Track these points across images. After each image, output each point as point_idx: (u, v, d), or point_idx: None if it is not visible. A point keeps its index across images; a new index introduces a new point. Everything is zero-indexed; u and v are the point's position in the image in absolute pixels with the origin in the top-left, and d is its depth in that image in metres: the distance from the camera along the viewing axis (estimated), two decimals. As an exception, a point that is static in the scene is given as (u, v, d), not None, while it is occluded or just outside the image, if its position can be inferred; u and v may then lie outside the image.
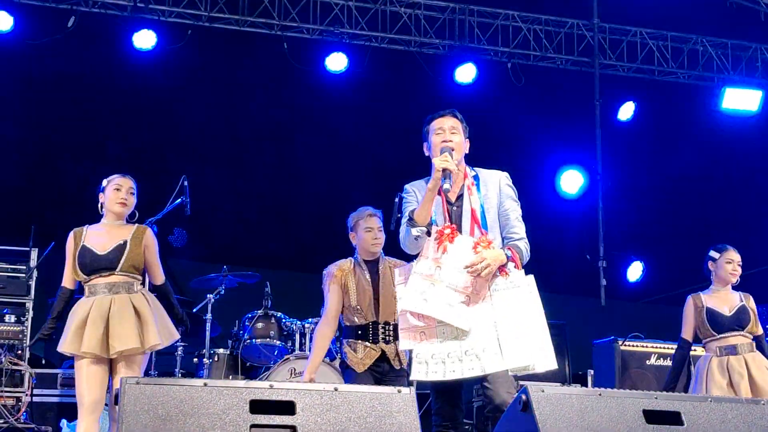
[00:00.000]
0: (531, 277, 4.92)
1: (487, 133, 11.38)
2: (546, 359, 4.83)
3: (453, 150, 5.00)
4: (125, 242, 6.04)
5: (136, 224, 6.23)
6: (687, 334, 7.22)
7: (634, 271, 13.26)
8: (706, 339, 7.18)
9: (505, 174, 5.22)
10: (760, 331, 7.28)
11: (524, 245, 5.05)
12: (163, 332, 6.00)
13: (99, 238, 6.08)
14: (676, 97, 13.13)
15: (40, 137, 11.29)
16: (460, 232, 4.94)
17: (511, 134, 12.66)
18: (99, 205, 6.22)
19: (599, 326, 10.87)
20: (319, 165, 12.18)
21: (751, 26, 12.88)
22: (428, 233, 4.91)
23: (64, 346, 5.88)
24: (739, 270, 7.29)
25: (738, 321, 7.13)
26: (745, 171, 13.09)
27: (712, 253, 7.36)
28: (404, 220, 5.01)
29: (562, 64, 12.90)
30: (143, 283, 6.16)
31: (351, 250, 6.58)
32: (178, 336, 6.26)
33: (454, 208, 5.05)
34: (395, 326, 6.16)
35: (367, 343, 6.29)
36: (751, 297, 7.33)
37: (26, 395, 8.40)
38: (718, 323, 7.10)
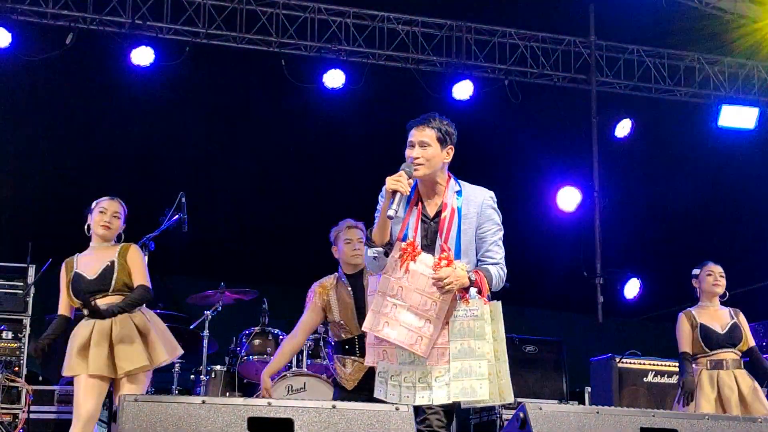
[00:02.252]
0: (496, 303, 4.72)
1: (484, 150, 11.42)
2: (503, 393, 4.63)
3: (418, 166, 4.78)
4: (113, 263, 6.07)
5: (122, 243, 6.24)
6: (687, 347, 7.22)
7: (631, 288, 13.26)
8: (696, 354, 7.22)
9: (491, 194, 4.93)
10: (752, 342, 7.32)
11: (496, 271, 4.81)
12: (167, 347, 6.01)
13: (88, 262, 6.13)
14: (673, 114, 13.16)
15: (38, 153, 11.29)
16: (433, 249, 4.74)
17: (508, 151, 12.68)
18: (86, 227, 6.24)
19: (596, 343, 10.88)
20: (316, 181, 12.18)
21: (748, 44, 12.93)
22: (386, 254, 4.74)
23: (69, 370, 5.90)
24: (722, 281, 7.32)
25: (731, 339, 7.18)
26: (742, 188, 13.11)
27: (694, 271, 7.44)
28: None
29: (559, 81, 12.92)
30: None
31: (348, 267, 6.60)
32: (181, 350, 6.26)
33: (432, 224, 4.82)
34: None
35: (354, 357, 6.28)
36: (740, 312, 7.36)
37: (23, 412, 8.38)
38: (711, 340, 7.15)
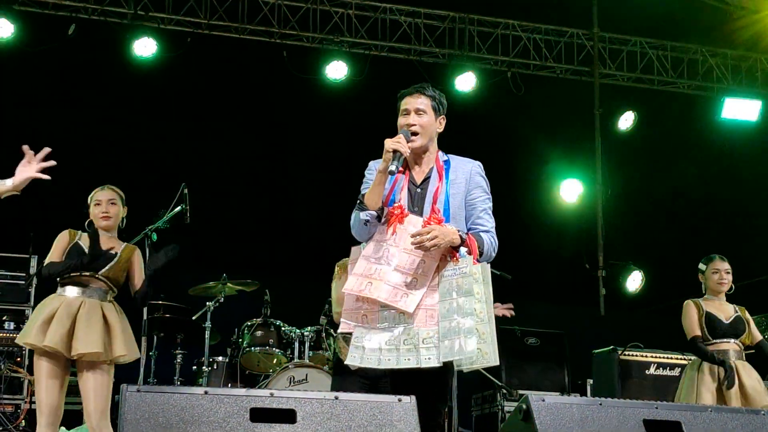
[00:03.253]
0: (485, 265, 4.54)
1: (487, 142, 11.41)
2: (487, 355, 4.40)
3: (414, 134, 4.73)
4: (116, 253, 6.04)
5: (126, 243, 6.21)
6: (697, 331, 7.20)
7: (634, 281, 13.26)
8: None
9: (478, 163, 4.85)
10: (759, 336, 7.31)
11: (488, 238, 4.69)
12: (128, 345, 5.96)
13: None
14: (676, 106, 13.16)
15: (38, 144, 11.27)
16: (421, 215, 4.64)
17: (511, 143, 12.67)
18: (86, 224, 6.20)
19: (598, 336, 10.86)
20: (318, 172, 12.17)
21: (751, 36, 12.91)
22: (378, 218, 4.65)
23: (27, 338, 5.77)
24: (728, 278, 7.31)
25: (734, 330, 7.19)
26: (745, 180, 13.10)
27: (700, 266, 7.42)
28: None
29: (562, 73, 12.92)
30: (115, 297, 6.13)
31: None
32: (139, 354, 6.18)
33: (419, 190, 4.74)
34: None
35: None
36: (745, 309, 7.36)
37: (25, 402, 8.40)
38: (715, 329, 7.15)
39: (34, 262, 8.73)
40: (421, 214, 4.65)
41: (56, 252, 6.03)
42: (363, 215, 4.63)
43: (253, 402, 3.91)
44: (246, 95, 12.02)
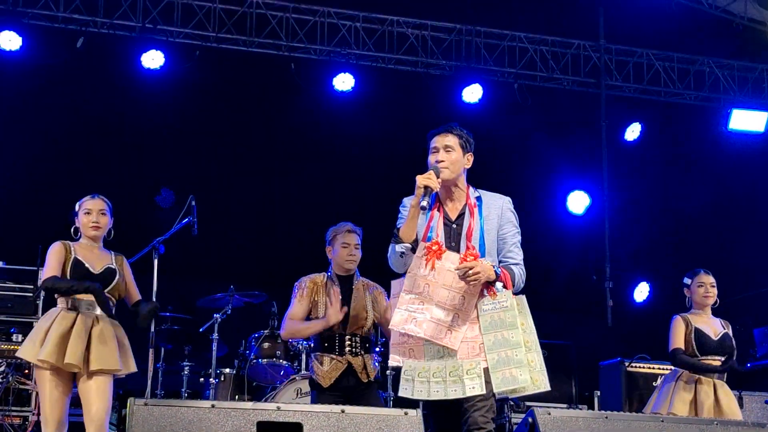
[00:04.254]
0: (522, 297, 4.91)
1: (493, 154, 11.42)
2: (538, 382, 4.76)
3: (443, 169, 4.97)
4: (115, 269, 6.07)
5: (113, 252, 6.22)
6: (680, 344, 7.17)
7: (641, 292, 13.25)
8: None
9: (508, 199, 5.18)
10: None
11: (518, 270, 5.02)
12: (124, 359, 6.00)
13: (88, 256, 6.08)
14: (683, 118, 13.15)
15: (48, 157, 11.32)
16: (458, 251, 4.92)
17: (517, 155, 12.68)
18: (72, 230, 6.21)
19: (606, 347, 10.86)
20: (326, 184, 12.19)
21: (758, 48, 12.92)
22: (413, 250, 4.91)
23: (45, 355, 5.78)
24: (713, 291, 7.29)
25: (722, 348, 7.17)
26: (752, 192, 13.09)
27: (685, 279, 7.40)
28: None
29: (568, 85, 12.92)
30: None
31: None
32: (135, 368, 6.20)
33: (454, 226, 5.02)
34: (363, 338, 6.33)
35: (333, 355, 6.31)
36: (730, 324, 7.34)
37: (33, 414, 8.40)
38: (704, 345, 7.13)
39: (41, 275, 8.73)
40: (457, 250, 4.94)
41: (54, 266, 6.04)
42: (399, 248, 4.91)
43: (260, 415, 3.94)
44: (254, 107, 12.04)
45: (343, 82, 11.95)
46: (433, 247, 4.88)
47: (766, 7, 12.61)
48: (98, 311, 5.94)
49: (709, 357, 7.14)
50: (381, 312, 6.47)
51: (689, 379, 7.09)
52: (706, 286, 7.29)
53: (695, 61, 13.13)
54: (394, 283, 5.06)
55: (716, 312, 7.36)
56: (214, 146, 12.08)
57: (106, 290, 5.98)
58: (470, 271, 4.73)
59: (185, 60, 11.44)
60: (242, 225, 12.11)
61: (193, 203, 7.32)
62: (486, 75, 12.47)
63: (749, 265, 12.42)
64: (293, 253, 11.98)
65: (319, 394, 6.29)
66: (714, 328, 7.23)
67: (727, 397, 7.05)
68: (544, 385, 4.73)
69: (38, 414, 8.27)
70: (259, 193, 12.29)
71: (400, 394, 4.90)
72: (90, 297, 5.96)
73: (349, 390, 6.24)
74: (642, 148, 13.13)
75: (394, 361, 4.97)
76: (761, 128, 12.91)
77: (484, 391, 4.71)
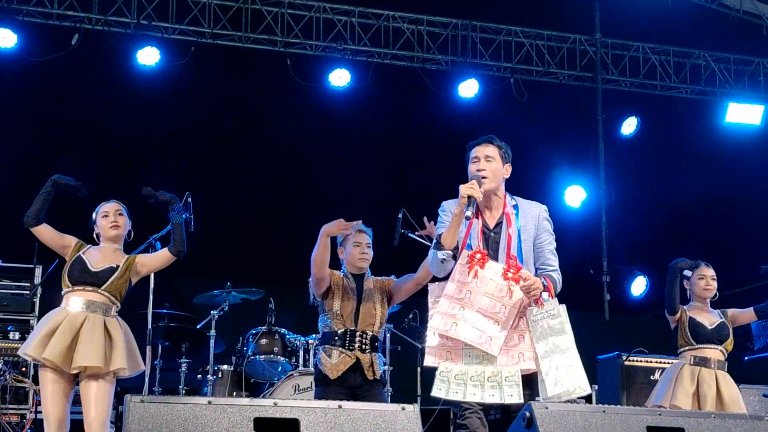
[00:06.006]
0: (563, 306, 5.06)
1: (490, 149, 11.40)
2: (583, 386, 4.89)
3: (484, 178, 5.12)
4: (117, 266, 6.08)
5: (127, 255, 6.24)
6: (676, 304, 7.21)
7: (638, 286, 13.26)
8: (682, 348, 7.21)
9: (545, 207, 5.38)
10: (748, 309, 7.32)
11: (557, 276, 5.23)
12: (129, 359, 5.98)
13: (96, 256, 6.13)
14: (679, 111, 13.15)
15: (44, 154, 11.30)
16: (496, 258, 5.05)
17: (514, 149, 12.58)
18: (95, 236, 6.25)
19: (603, 341, 10.84)
20: (322, 180, 12.19)
21: (754, 41, 12.91)
22: (454, 257, 5.02)
23: (28, 350, 5.82)
24: (713, 284, 7.29)
25: (718, 335, 7.16)
26: (748, 184, 13.09)
27: (686, 272, 7.38)
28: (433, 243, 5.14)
29: (564, 79, 12.93)
30: (119, 311, 6.15)
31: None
32: (143, 367, 6.22)
33: (492, 234, 5.17)
34: (373, 337, 6.29)
35: (342, 349, 6.30)
36: (727, 311, 7.34)
37: (30, 412, 8.39)
38: (698, 333, 7.13)
39: (38, 272, 8.74)
40: (495, 258, 5.09)
41: (59, 237, 6.18)
42: (440, 254, 5.02)
43: (257, 411, 3.92)
44: (250, 103, 12.04)
45: (339, 77, 11.95)
46: (477, 256, 4.99)
47: (761, 0, 12.61)
48: (92, 311, 5.94)
49: (705, 345, 7.14)
50: (397, 285, 6.43)
51: (692, 369, 7.08)
52: (706, 279, 7.29)
53: (691, 54, 13.14)
54: (432, 287, 5.15)
55: (714, 305, 7.37)
56: (210, 142, 12.06)
57: (101, 288, 5.98)
58: (532, 287, 4.91)
59: (181, 56, 11.43)
60: (239, 221, 12.10)
61: (190, 200, 7.30)
62: (482, 69, 12.48)
63: (746, 258, 12.42)
64: (290, 249, 11.97)
65: (325, 388, 6.27)
66: (710, 318, 7.23)
67: (729, 388, 7.05)
68: (587, 387, 4.87)
69: (36, 412, 8.28)
70: (256, 190, 12.28)
71: (433, 393, 5.00)
72: (88, 295, 5.96)
73: (354, 387, 6.23)
74: (639, 142, 13.14)
75: (430, 362, 5.05)
76: (758, 121, 12.93)
77: (522, 400, 4.83)
